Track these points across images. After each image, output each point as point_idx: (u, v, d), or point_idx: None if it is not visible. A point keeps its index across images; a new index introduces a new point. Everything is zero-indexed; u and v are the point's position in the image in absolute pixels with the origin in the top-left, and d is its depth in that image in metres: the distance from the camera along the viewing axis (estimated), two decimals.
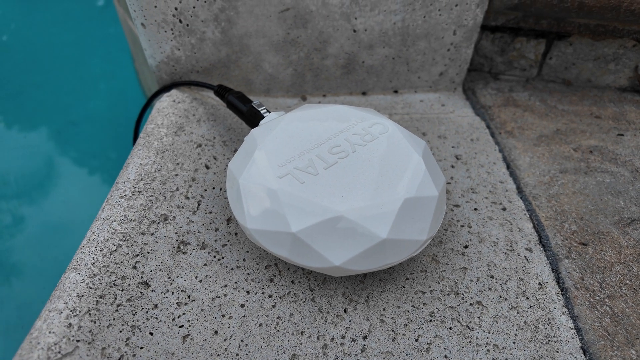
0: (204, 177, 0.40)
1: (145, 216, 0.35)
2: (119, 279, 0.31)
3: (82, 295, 0.29)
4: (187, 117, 0.45)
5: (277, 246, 0.30)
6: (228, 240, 0.36)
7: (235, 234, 0.36)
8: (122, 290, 0.30)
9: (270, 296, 0.32)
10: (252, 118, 0.41)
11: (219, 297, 0.31)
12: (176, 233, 0.35)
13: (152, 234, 0.34)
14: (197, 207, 0.37)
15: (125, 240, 0.33)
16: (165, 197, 0.37)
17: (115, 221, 0.34)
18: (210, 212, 0.37)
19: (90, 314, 0.28)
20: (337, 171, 0.32)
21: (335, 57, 0.52)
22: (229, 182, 0.34)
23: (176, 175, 0.39)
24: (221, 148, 0.44)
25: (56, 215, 1.05)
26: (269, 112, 0.40)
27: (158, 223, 0.35)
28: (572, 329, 0.30)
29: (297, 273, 0.34)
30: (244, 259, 0.34)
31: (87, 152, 1.18)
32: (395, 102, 0.55)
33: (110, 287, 0.30)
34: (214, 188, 0.40)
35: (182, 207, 0.37)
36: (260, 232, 0.30)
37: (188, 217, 0.36)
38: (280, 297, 0.32)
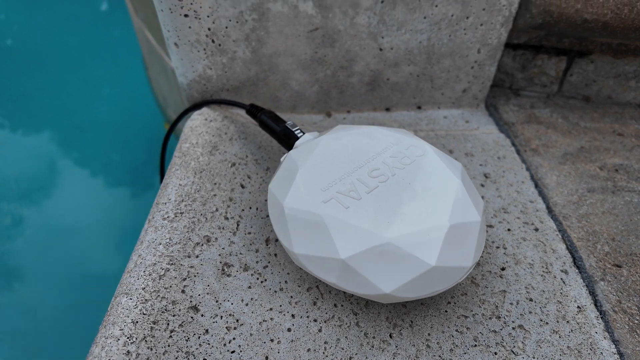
0: (240, 196, 0.41)
1: (190, 238, 0.36)
2: (169, 303, 0.31)
3: (137, 322, 0.29)
4: (220, 136, 0.46)
5: (324, 272, 0.30)
6: (269, 262, 0.36)
7: (275, 255, 0.37)
8: (174, 316, 0.31)
9: (315, 320, 0.33)
10: (286, 138, 0.41)
11: (265, 321, 0.32)
12: (219, 255, 0.35)
13: (197, 257, 0.35)
14: (237, 228, 0.38)
15: (172, 263, 0.34)
16: (206, 218, 0.38)
17: (161, 244, 0.34)
18: (249, 233, 0.38)
19: (146, 340, 0.29)
20: (379, 195, 0.33)
21: (360, 74, 0.53)
22: (271, 205, 0.35)
23: (214, 195, 0.40)
24: (254, 166, 0.44)
25: (62, 219, 1.05)
26: (303, 133, 0.41)
27: (202, 245, 0.36)
28: (615, 354, 0.31)
29: (339, 296, 0.34)
30: (285, 281, 0.35)
31: (91, 155, 1.18)
32: (419, 118, 0.56)
33: (163, 312, 0.30)
34: (250, 208, 0.40)
35: (223, 228, 0.38)
36: (307, 257, 0.31)
37: (229, 238, 0.37)
38: (325, 321, 0.33)
